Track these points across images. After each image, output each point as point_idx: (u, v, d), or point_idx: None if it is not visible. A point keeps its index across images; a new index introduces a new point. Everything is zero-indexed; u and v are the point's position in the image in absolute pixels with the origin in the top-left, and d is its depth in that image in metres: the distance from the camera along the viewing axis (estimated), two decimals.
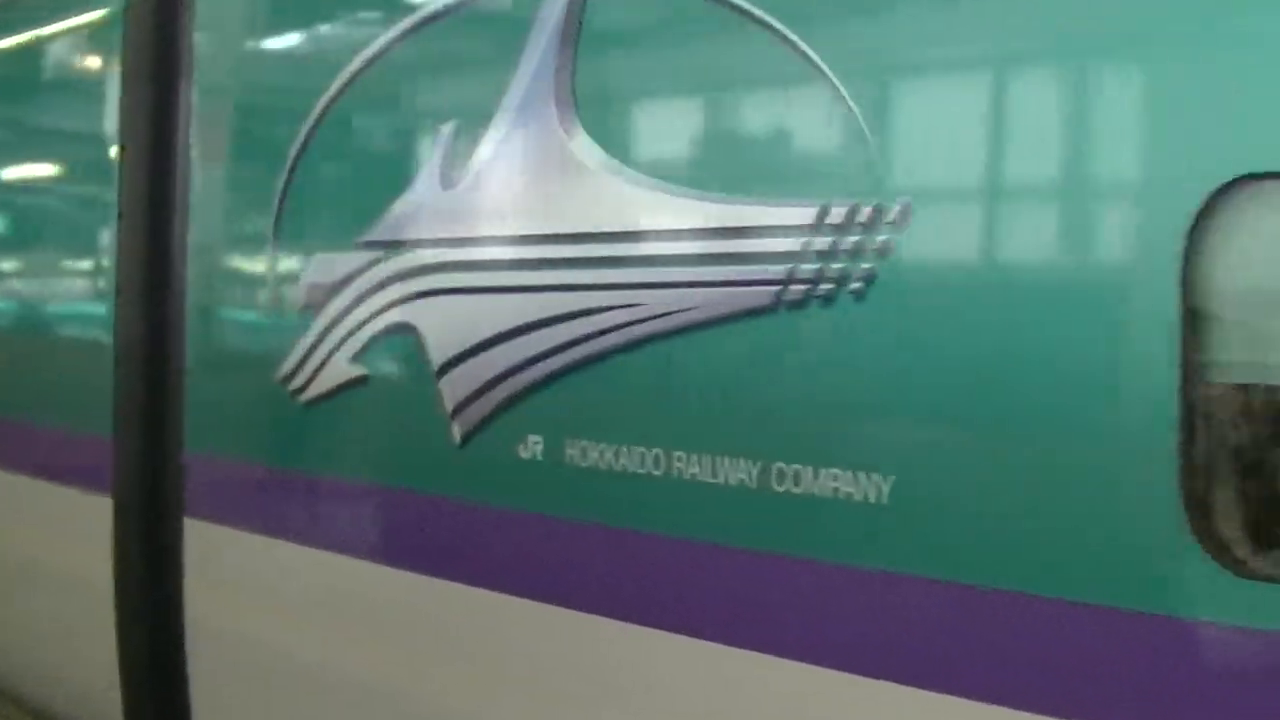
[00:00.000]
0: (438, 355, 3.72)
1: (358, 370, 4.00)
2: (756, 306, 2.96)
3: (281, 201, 4.26)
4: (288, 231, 4.29)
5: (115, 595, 4.77)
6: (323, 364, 4.14)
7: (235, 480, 4.57)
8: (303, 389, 4.22)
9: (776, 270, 2.92)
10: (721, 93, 3.10)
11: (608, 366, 3.23)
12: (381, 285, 3.92)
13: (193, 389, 4.66)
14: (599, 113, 3.34)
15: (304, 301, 4.19)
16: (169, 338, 4.72)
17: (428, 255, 3.76)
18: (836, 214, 2.82)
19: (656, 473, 3.13)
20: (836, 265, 2.83)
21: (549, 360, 3.39)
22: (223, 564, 4.53)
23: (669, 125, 3.27)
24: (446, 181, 3.70)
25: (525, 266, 3.48)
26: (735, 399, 3.01)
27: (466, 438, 3.64)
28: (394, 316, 3.89)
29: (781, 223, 2.91)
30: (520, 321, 3.46)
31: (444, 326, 3.72)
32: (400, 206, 3.87)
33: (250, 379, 4.53)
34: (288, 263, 4.33)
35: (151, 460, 4.77)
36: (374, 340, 3.97)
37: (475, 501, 3.63)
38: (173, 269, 4.71)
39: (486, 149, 3.60)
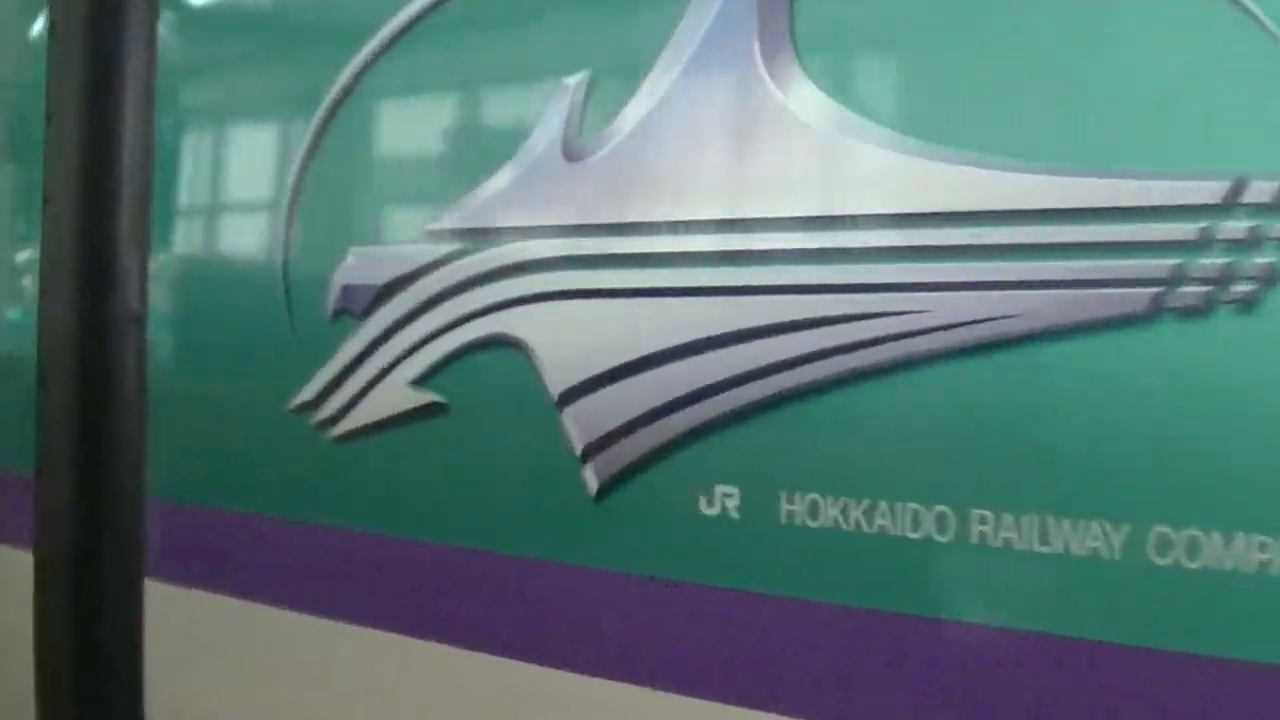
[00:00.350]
0: (557, 378, 2.82)
1: (426, 397, 3.05)
2: (1122, 314, 2.11)
3: (302, 171, 3.28)
4: (311, 211, 3.31)
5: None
6: (368, 388, 3.20)
7: (226, 535, 3.56)
8: (334, 420, 3.25)
9: (1155, 266, 2.08)
10: (1064, 32, 2.26)
11: (863, 392, 2.37)
12: (464, 287, 2.99)
13: (159, 417, 3.63)
14: (838, 56, 2.47)
15: (337, 307, 3.21)
16: (116, 350, 3.69)
17: (541, 248, 2.84)
18: (1258, 190, 1.99)
19: (943, 538, 2.27)
20: (1254, 260, 2.01)
21: (758, 383, 2.50)
22: (198, 638, 3.53)
23: (958, 73, 2.41)
24: (573, 150, 2.79)
25: (720, 261, 2.59)
26: (1082, 440, 2.16)
27: (607, 487, 2.73)
28: (484, 327, 2.97)
29: (1169, 202, 2.07)
30: (711, 332, 2.57)
31: (568, 340, 2.82)
32: (495, 184, 2.95)
33: (250, 407, 3.53)
34: (309, 254, 3.35)
35: (90, 506, 3.73)
36: (450, 359, 3.02)
37: (622, 570, 2.71)
38: (118, 260, 3.68)
39: (641, 107, 2.71)
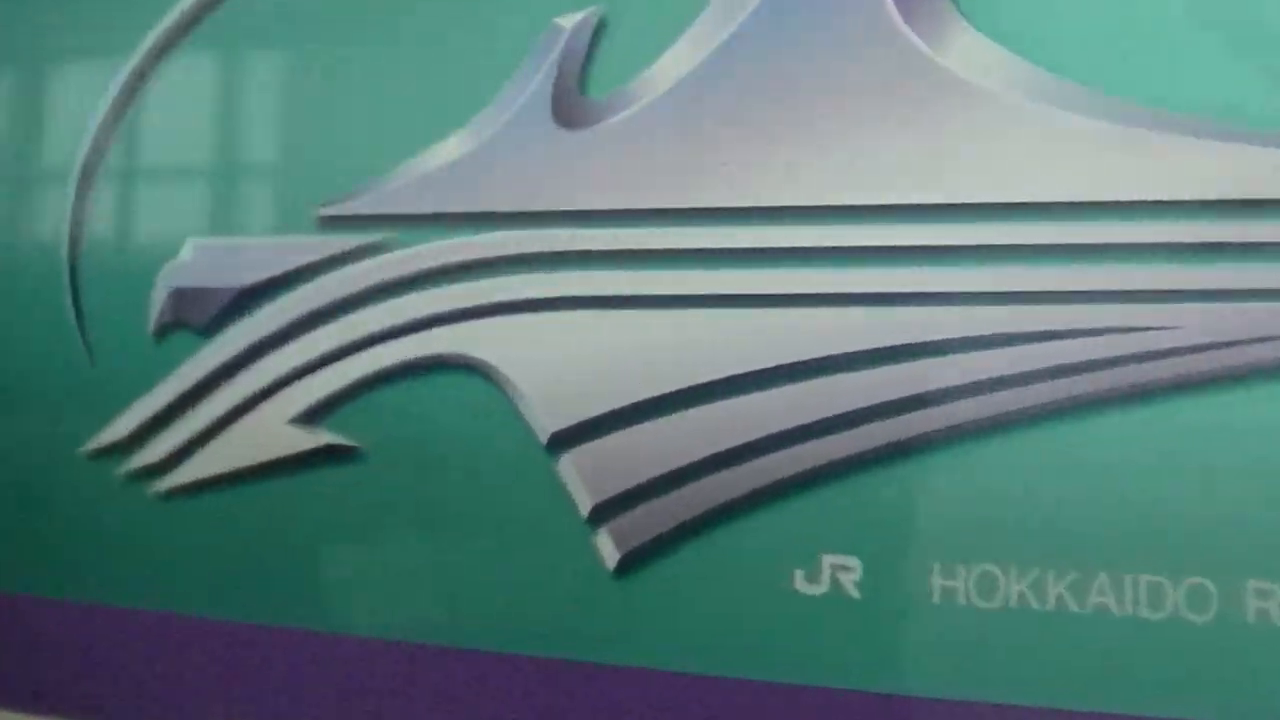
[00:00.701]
0: (553, 412, 2.11)
1: (322, 438, 2.26)
2: None
3: (104, 132, 2.43)
4: (115, 190, 2.45)
5: None
6: (218, 427, 2.36)
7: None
8: (159, 470, 2.40)
9: None
10: None
11: (1069, 428, 1.78)
12: (388, 292, 2.22)
13: None
14: None
15: (164, 318, 2.37)
16: None
17: (523, 241, 2.11)
18: None
19: (1202, 618, 1.71)
20: None
21: (895, 420, 1.87)
22: None
23: None
24: (570, 113, 2.08)
25: (822, 260, 1.94)
26: None
27: (634, 557, 2.03)
28: (424, 345, 2.23)
29: None
30: (819, 353, 1.92)
31: (567, 365, 2.10)
32: (439, 156, 2.20)
33: (22, 449, 2.60)
34: (112, 249, 2.48)
35: None
36: (363, 387, 2.24)
37: (661, 667, 2.02)
38: None
39: (684, 59, 2.02)
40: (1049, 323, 1.85)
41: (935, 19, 1.94)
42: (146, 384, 2.48)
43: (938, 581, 1.89)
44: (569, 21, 2.15)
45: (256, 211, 2.43)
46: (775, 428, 2.00)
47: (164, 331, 2.45)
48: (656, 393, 2.06)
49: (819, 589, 1.97)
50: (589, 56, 2.14)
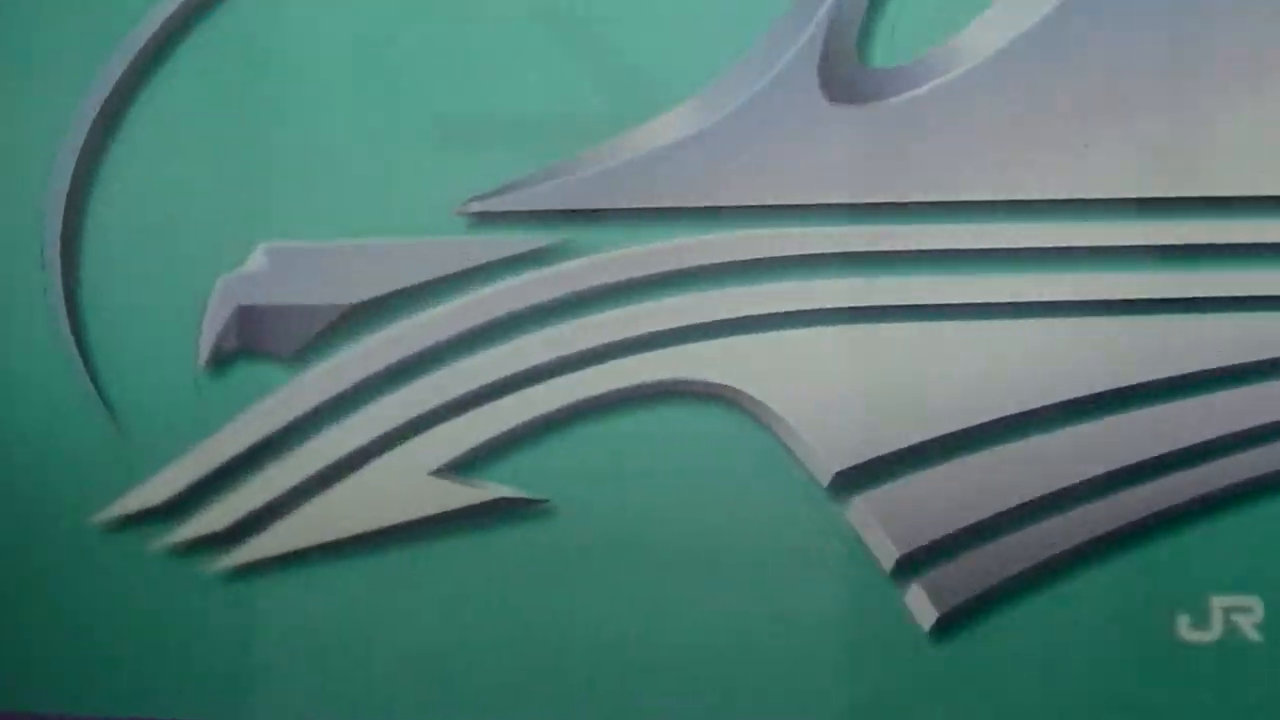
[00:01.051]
0: (835, 448, 1.75)
1: (485, 492, 1.83)
2: None
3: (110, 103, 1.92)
4: (134, 177, 1.93)
5: None
6: (321, 482, 1.88)
7: None
8: (223, 541, 1.89)
9: None
10: None
11: None
12: (579, 306, 1.82)
13: None
14: None
15: (224, 343, 1.87)
16: None
17: (784, 241, 1.77)
18: None
19: None
20: None
21: None
22: None
23: None
24: (843, 86, 1.74)
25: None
26: None
27: (955, 615, 1.73)
28: (639, 371, 1.82)
29: None
30: (1187, 368, 1.70)
31: (839, 386, 1.76)
32: (648, 136, 1.79)
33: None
34: (130, 255, 1.94)
35: None
36: (545, 427, 1.83)
37: None
38: None
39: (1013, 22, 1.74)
40: None
41: None
42: (191, 432, 1.90)
43: None
44: None
45: (376, 205, 1.90)
46: (1132, 458, 1.70)
47: (221, 362, 1.88)
48: (970, 422, 1.72)
49: (1208, 635, 1.69)
50: (870, 15, 1.77)
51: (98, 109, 1.93)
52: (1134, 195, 1.73)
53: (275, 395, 1.91)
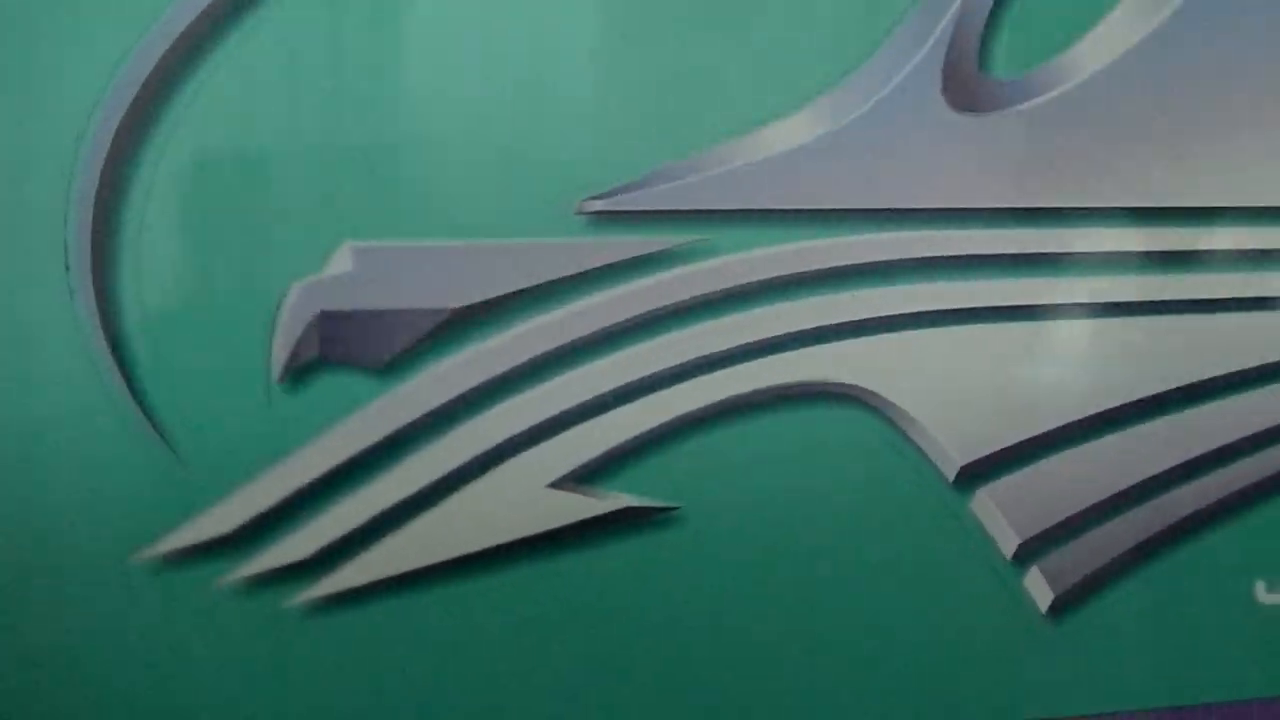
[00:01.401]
0: (959, 443, 1.89)
1: (607, 502, 1.84)
2: None
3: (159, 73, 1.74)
4: (185, 169, 1.76)
5: None
6: (421, 502, 1.82)
7: None
8: (315, 569, 1.81)
9: None
10: None
11: None
12: (705, 309, 1.84)
13: None
14: None
15: (303, 350, 1.77)
16: None
17: (914, 244, 1.87)
18: None
19: None
20: None
21: None
22: None
23: None
24: (966, 93, 1.85)
25: None
26: None
27: (1070, 596, 1.93)
28: (770, 374, 1.86)
29: None
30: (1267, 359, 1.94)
31: (961, 383, 1.90)
32: (773, 138, 1.83)
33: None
34: (185, 256, 1.77)
35: None
36: (674, 431, 1.85)
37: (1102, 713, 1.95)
38: None
39: (1124, 35, 1.89)
40: None
41: None
42: (263, 453, 1.75)
43: None
44: None
45: (478, 201, 1.77)
46: (1221, 440, 1.90)
47: (300, 370, 1.74)
48: (1080, 415, 1.86)
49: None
50: (990, 26, 1.82)
51: (138, 86, 1.67)
52: (1232, 204, 1.87)
53: (370, 408, 1.75)
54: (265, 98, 1.69)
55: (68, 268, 1.67)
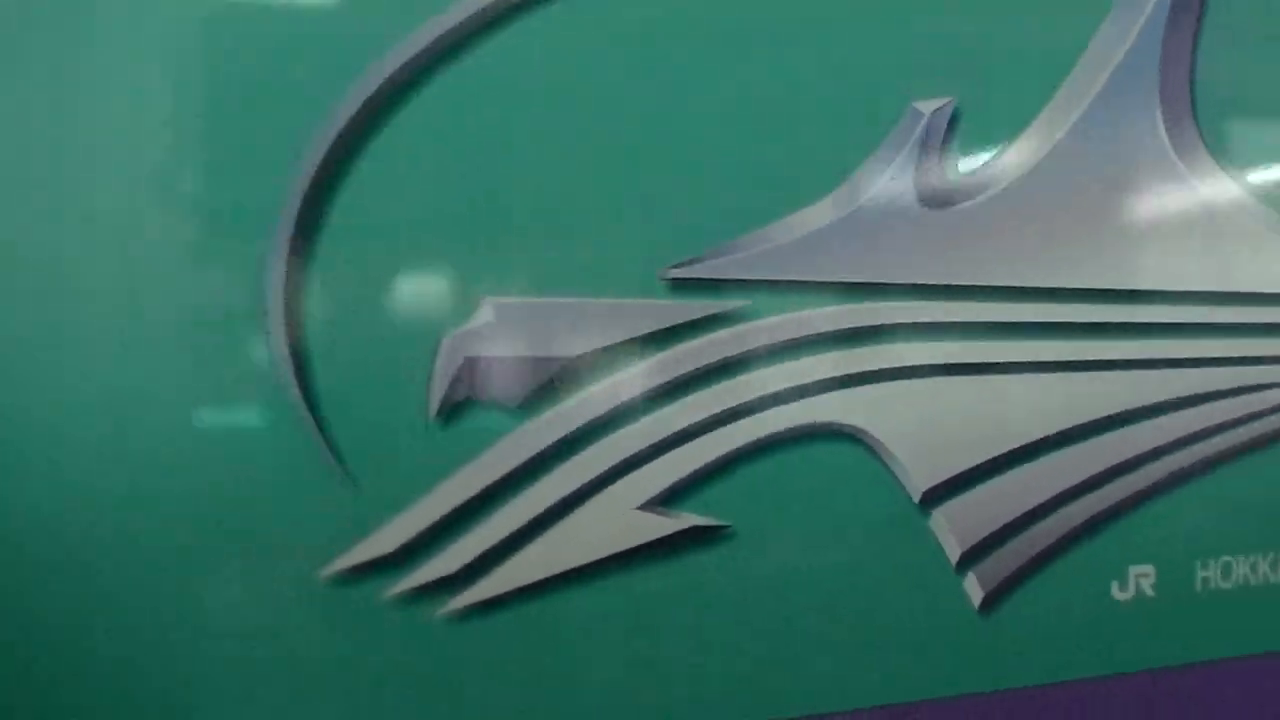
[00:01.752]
0: (921, 474, 2.44)
1: (687, 520, 2.31)
2: None
3: (338, 149, 2.10)
4: (357, 225, 2.11)
5: None
6: (541, 523, 2.22)
7: None
8: (461, 581, 2.19)
9: None
10: None
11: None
12: (755, 360, 2.35)
13: None
14: None
15: (454, 393, 2.16)
16: None
17: (894, 312, 2.41)
18: None
19: None
20: None
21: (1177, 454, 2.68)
22: None
23: None
24: (934, 194, 2.46)
25: (1133, 334, 2.60)
26: None
27: (996, 594, 2.54)
28: (796, 416, 2.36)
29: None
30: (1129, 405, 2.61)
31: (933, 427, 2.44)
32: (798, 224, 2.36)
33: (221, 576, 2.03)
34: (354, 307, 2.11)
35: None
36: (730, 462, 2.33)
37: (1017, 686, 2.55)
38: None
39: (1028, 152, 2.53)
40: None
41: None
42: (421, 479, 2.08)
43: (1199, 574, 2.62)
44: (927, 107, 2.37)
45: (588, 268, 2.16)
46: (1096, 468, 2.52)
47: (453, 410, 2.09)
48: (1010, 446, 2.44)
49: (1127, 594, 2.56)
50: (946, 140, 2.39)
51: (326, 147, 1.96)
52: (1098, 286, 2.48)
53: (503, 442, 2.07)
54: (421, 180, 2.00)
55: (265, 314, 1.91)
